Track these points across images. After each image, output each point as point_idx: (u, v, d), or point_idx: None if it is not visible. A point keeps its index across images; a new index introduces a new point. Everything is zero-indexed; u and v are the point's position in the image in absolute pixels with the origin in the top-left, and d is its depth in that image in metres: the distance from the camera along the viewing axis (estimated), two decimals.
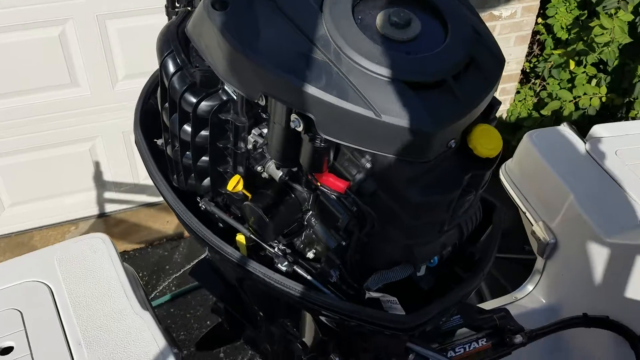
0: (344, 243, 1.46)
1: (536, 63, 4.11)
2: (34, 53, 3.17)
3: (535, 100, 4.15)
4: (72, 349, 1.40)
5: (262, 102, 1.23)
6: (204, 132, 1.42)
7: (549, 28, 3.94)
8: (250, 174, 1.48)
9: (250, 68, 1.17)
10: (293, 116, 1.18)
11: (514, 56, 3.87)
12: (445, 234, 1.38)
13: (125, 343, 1.41)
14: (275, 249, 1.53)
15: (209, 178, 1.51)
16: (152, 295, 3.49)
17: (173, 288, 3.49)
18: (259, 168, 1.47)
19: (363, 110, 1.11)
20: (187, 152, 1.47)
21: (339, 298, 1.46)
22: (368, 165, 1.25)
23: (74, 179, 3.59)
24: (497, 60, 1.25)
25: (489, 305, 1.91)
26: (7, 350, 1.41)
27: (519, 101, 4.14)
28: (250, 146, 1.40)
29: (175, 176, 1.55)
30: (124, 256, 3.73)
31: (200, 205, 1.60)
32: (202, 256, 1.81)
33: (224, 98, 1.35)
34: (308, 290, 1.45)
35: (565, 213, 1.83)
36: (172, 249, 3.78)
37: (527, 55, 4.07)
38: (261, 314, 1.92)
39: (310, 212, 1.46)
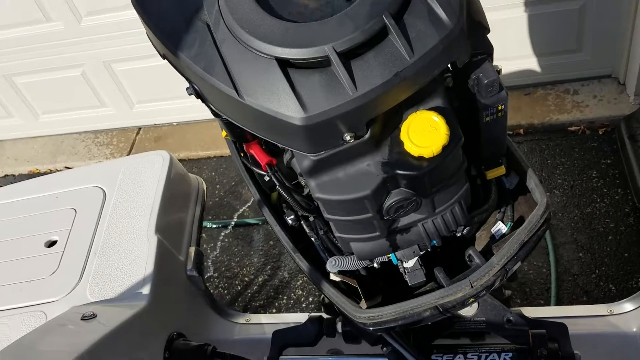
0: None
1: None
2: None
3: None
4: (89, 257, 1.58)
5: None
6: None
7: None
8: None
9: (147, 30, 1.08)
10: (189, 81, 1.06)
11: None
12: (394, 235, 1.13)
13: (124, 262, 1.54)
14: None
15: None
16: None
17: None
18: None
19: (226, 88, 0.94)
20: None
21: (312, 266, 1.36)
22: (280, 146, 1.08)
23: None
24: (438, 26, 0.90)
25: (570, 311, 1.52)
26: (53, 243, 1.67)
27: None
28: None
29: None
30: None
31: None
32: None
33: None
34: (292, 249, 1.39)
35: None
36: None
37: None
38: None
39: None
